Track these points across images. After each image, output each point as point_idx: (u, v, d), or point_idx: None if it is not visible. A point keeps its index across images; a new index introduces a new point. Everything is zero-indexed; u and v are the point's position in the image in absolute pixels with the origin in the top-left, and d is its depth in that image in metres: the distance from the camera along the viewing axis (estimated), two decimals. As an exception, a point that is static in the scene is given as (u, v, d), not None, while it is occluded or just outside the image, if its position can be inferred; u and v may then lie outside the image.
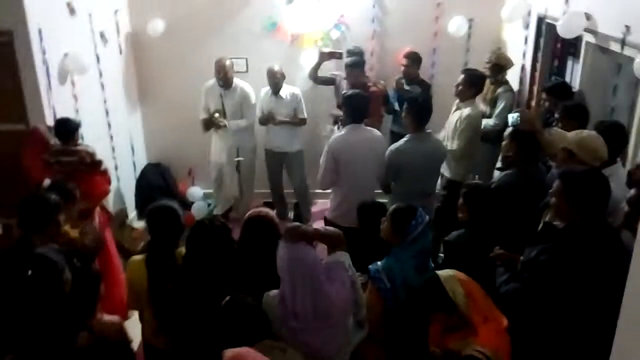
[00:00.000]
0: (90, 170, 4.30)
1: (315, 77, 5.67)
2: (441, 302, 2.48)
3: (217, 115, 5.49)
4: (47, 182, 3.91)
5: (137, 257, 3.12)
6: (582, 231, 2.58)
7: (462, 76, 4.78)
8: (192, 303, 2.68)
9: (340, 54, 5.60)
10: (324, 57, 5.63)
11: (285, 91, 5.58)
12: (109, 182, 4.56)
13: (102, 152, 5.11)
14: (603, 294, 2.42)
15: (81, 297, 2.53)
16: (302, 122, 5.67)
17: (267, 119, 5.55)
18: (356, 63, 5.37)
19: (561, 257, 2.55)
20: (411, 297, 2.79)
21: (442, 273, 2.56)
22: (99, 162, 4.39)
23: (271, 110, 5.54)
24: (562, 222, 2.73)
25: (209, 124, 5.60)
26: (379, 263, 2.92)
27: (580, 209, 2.58)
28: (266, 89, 5.63)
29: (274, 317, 2.50)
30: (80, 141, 4.45)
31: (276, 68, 5.51)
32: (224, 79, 5.46)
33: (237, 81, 5.61)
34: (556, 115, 3.74)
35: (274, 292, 2.57)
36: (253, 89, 5.68)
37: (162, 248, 3.01)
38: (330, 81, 5.72)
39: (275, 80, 5.49)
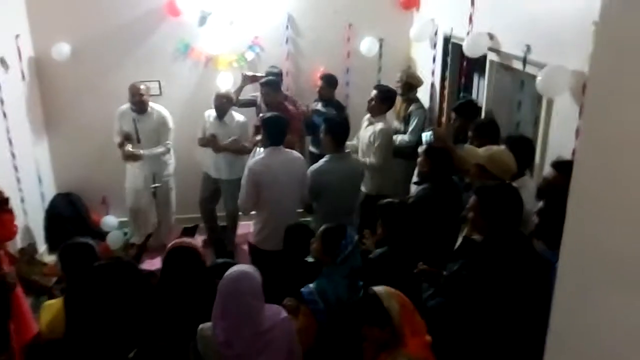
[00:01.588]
0: None
1: (236, 101, 5.59)
2: (378, 317, 2.50)
3: (129, 147, 5.27)
4: None
5: (53, 301, 2.94)
6: (499, 243, 2.70)
7: (374, 92, 4.93)
8: (112, 343, 2.56)
9: (263, 76, 5.56)
10: (247, 80, 5.59)
11: (231, 118, 5.43)
12: (14, 221, 4.25)
13: (6, 185, 4.80)
14: (523, 301, 2.54)
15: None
16: (247, 150, 5.35)
17: (210, 144, 5.36)
18: (271, 82, 5.36)
19: (482, 270, 2.66)
20: (346, 316, 2.82)
21: (379, 289, 2.58)
22: (6, 200, 4.09)
23: (214, 134, 5.35)
24: (480, 235, 2.85)
25: (127, 155, 5.35)
26: (310, 285, 2.92)
27: (496, 222, 2.71)
28: (211, 112, 5.45)
29: (212, 349, 2.43)
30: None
31: (223, 92, 5.40)
32: (139, 103, 5.30)
33: (152, 105, 5.46)
34: (469, 133, 3.90)
35: (208, 324, 2.50)
36: (167, 111, 5.54)
37: (79, 288, 2.85)
38: (251, 103, 5.68)
39: (221, 104, 5.33)
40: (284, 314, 2.63)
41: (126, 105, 5.40)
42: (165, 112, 5.51)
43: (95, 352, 2.57)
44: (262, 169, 4.02)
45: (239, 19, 5.86)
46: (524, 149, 3.42)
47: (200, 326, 2.52)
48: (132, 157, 5.33)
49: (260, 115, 4.72)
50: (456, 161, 3.65)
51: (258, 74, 5.62)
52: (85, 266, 2.87)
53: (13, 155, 5.23)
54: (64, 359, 2.73)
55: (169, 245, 2.92)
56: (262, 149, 4.37)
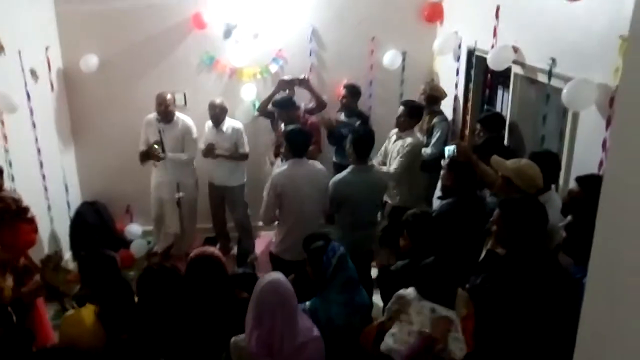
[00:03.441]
0: (15, 219, 4.08)
1: (264, 108, 5.62)
2: None
3: (155, 146, 5.36)
4: None
5: (72, 312, 2.96)
6: (522, 257, 2.67)
7: (402, 108, 4.92)
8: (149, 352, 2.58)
9: (300, 80, 5.60)
10: (283, 85, 5.62)
11: (227, 125, 5.54)
12: (35, 231, 4.31)
13: (33, 193, 4.92)
14: (547, 316, 2.51)
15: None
16: (243, 156, 5.61)
17: (207, 152, 5.47)
18: (280, 103, 5.37)
19: (505, 284, 2.63)
20: (336, 337, 2.78)
21: None
22: (25, 210, 4.17)
23: (212, 143, 5.47)
24: (504, 249, 2.82)
25: (146, 155, 5.46)
26: (306, 303, 2.89)
27: (519, 236, 2.68)
28: (210, 122, 5.57)
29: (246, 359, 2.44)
30: (9, 185, 4.23)
31: (217, 101, 5.48)
32: (165, 112, 5.38)
33: (178, 115, 5.55)
34: (476, 128, 3.95)
35: (241, 335, 2.51)
36: (193, 122, 5.62)
37: (113, 298, 2.88)
38: (270, 114, 5.73)
39: (215, 113, 5.45)
40: (316, 332, 2.61)
41: (153, 115, 5.49)
42: (190, 122, 5.59)
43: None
44: (284, 180, 4.04)
45: (264, 31, 5.93)
46: (549, 163, 3.38)
47: (233, 338, 2.53)
48: (153, 156, 5.39)
49: (283, 127, 4.76)
50: (479, 174, 3.64)
51: (295, 78, 5.65)
52: (106, 277, 2.89)
53: (41, 164, 5.34)
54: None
55: (192, 254, 2.94)
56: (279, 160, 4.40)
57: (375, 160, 4.87)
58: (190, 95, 6.05)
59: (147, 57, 5.93)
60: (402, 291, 2.70)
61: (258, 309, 2.42)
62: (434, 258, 2.60)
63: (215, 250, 2.98)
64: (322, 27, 6.01)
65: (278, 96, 5.50)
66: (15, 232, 3.99)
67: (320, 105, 5.70)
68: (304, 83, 5.65)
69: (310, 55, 6.07)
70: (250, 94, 5.98)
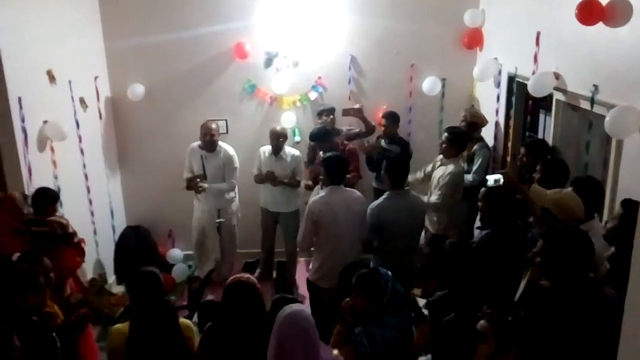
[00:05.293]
0: (61, 243, 4.23)
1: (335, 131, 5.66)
2: None
3: (197, 180, 5.49)
4: (15, 256, 3.74)
5: (119, 325, 3.05)
6: (568, 290, 2.59)
7: (445, 134, 4.88)
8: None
9: (356, 110, 5.72)
10: (348, 112, 5.77)
11: (286, 152, 5.59)
12: (82, 254, 4.46)
13: (80, 217, 5.08)
14: (594, 350, 2.43)
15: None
16: (299, 184, 5.64)
17: (266, 179, 5.53)
18: (319, 136, 5.41)
19: (550, 317, 2.56)
20: (389, 355, 2.83)
21: None
22: (71, 235, 4.32)
23: (272, 171, 5.51)
24: (548, 280, 2.75)
25: (190, 185, 5.58)
26: (360, 329, 2.93)
27: (564, 268, 2.61)
28: (266, 148, 5.64)
29: None
30: (59, 210, 4.39)
31: (278, 128, 5.56)
32: (210, 142, 5.50)
33: (221, 144, 5.65)
34: (536, 171, 3.81)
35: None
36: (234, 149, 5.72)
37: (145, 315, 2.95)
38: (356, 135, 5.86)
39: (277, 141, 5.51)
40: None
41: (196, 143, 5.62)
42: (232, 152, 5.69)
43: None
44: (321, 207, 4.06)
45: (303, 59, 6.03)
46: (592, 191, 3.30)
47: None
48: (195, 188, 5.52)
49: (321, 154, 4.79)
50: (528, 202, 3.55)
51: (351, 108, 5.79)
52: (151, 293, 2.97)
53: (88, 189, 5.52)
54: None
55: (228, 280, 2.98)
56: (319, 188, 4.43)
57: (411, 177, 4.84)
58: (231, 122, 6.17)
59: (191, 85, 6.10)
60: None
61: (279, 341, 2.43)
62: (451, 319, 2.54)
63: (250, 276, 3.00)
64: (360, 54, 6.07)
65: (311, 133, 5.55)
66: (61, 256, 4.14)
67: (370, 130, 5.78)
68: (358, 112, 5.73)
69: (350, 82, 6.13)
70: (290, 121, 6.07)
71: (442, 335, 2.53)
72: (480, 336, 2.58)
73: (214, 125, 5.54)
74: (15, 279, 2.96)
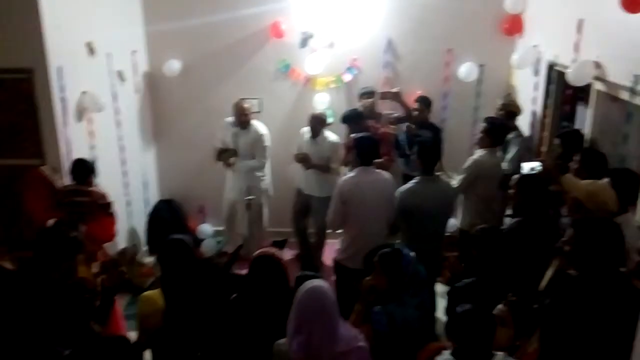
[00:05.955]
0: (101, 212, 4.34)
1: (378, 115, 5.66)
2: None
3: (227, 154, 5.60)
4: (50, 222, 3.87)
5: (149, 292, 3.13)
6: (595, 280, 2.56)
7: (484, 124, 4.78)
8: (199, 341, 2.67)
9: (394, 93, 5.67)
10: (384, 96, 5.73)
11: (325, 137, 5.58)
12: (114, 225, 4.58)
13: (115, 188, 5.20)
14: (618, 340, 2.40)
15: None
16: (333, 171, 5.54)
17: (299, 161, 5.55)
18: (350, 118, 5.40)
19: (577, 306, 2.53)
20: (411, 338, 2.83)
21: None
22: (109, 204, 4.43)
23: (306, 153, 5.53)
24: (576, 270, 2.72)
25: (221, 156, 5.68)
26: (379, 307, 2.93)
27: (593, 258, 2.58)
28: (307, 130, 5.64)
29: None
30: (95, 182, 4.51)
31: (317, 112, 5.58)
32: (243, 121, 5.57)
33: (254, 122, 5.70)
34: (574, 161, 3.73)
35: (284, 340, 2.55)
36: (266, 128, 5.76)
37: (175, 281, 3.01)
38: (401, 119, 5.80)
39: (314, 125, 5.52)
40: (361, 342, 2.62)
41: (230, 118, 5.69)
42: (264, 130, 5.73)
43: (188, 343, 2.69)
44: (350, 187, 4.07)
45: (339, 41, 6.00)
46: (628, 184, 3.23)
47: (277, 342, 2.57)
48: (225, 160, 5.64)
49: (352, 135, 4.78)
50: (561, 192, 3.49)
51: (389, 91, 5.75)
52: (180, 260, 3.03)
53: (123, 162, 5.64)
54: (161, 347, 2.88)
55: (255, 253, 3.03)
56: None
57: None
58: (265, 101, 6.20)
59: (227, 63, 6.15)
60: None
61: (298, 315, 2.46)
62: (468, 309, 2.51)
63: (276, 251, 3.04)
64: (397, 37, 6.01)
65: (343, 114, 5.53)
66: (99, 225, 4.25)
67: (410, 116, 5.73)
68: (396, 96, 5.68)
69: (385, 65, 6.08)
70: (323, 103, 6.06)
71: (461, 324, 2.51)
72: (499, 321, 2.57)
73: (246, 105, 5.59)
74: (52, 243, 3.04)
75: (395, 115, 5.85)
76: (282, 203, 6.07)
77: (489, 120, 4.80)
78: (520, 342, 2.64)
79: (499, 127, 4.77)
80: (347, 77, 6.11)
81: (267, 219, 6.09)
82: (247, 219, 5.88)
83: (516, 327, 2.63)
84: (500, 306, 2.68)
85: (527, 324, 2.67)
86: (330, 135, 5.61)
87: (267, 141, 5.73)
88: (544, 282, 3.10)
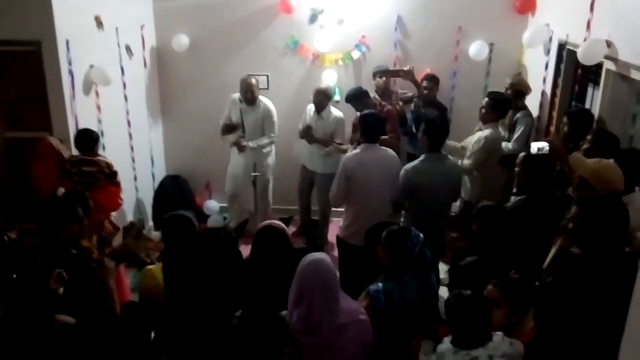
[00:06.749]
0: (107, 181, 4.37)
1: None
2: None
3: (233, 136, 5.59)
4: (61, 190, 3.93)
5: (152, 267, 3.16)
6: (598, 259, 2.55)
7: (486, 99, 4.77)
8: (203, 312, 2.69)
9: (406, 72, 5.51)
10: (389, 74, 5.64)
11: (329, 112, 5.55)
12: (120, 194, 4.62)
13: (122, 162, 5.22)
14: (618, 319, 2.39)
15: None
16: (337, 147, 5.51)
17: (304, 134, 5.54)
18: (354, 96, 5.33)
19: (577, 284, 2.53)
20: (408, 317, 2.83)
21: None
22: (115, 173, 4.46)
23: (310, 125, 5.52)
24: (579, 248, 2.71)
25: (228, 129, 5.66)
26: (380, 284, 2.92)
27: (597, 236, 2.56)
28: (312, 106, 5.61)
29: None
30: (100, 152, 4.53)
31: (322, 87, 5.52)
32: (250, 97, 5.54)
33: (261, 98, 5.68)
34: (586, 140, 3.69)
35: (285, 312, 2.58)
36: (273, 105, 5.74)
37: (176, 256, 3.04)
38: (410, 99, 5.71)
39: (318, 100, 5.47)
40: (363, 315, 2.64)
41: (237, 94, 5.67)
42: (271, 106, 5.71)
43: (189, 316, 2.72)
44: (354, 164, 4.06)
45: (348, 17, 5.94)
46: (634, 163, 3.20)
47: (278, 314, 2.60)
48: (239, 147, 5.62)
49: (358, 113, 4.76)
50: (569, 172, 3.46)
51: (400, 69, 5.59)
52: (183, 235, 3.05)
53: (130, 136, 5.65)
54: (161, 321, 2.91)
55: (260, 224, 3.05)
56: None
57: (451, 144, 4.72)
58: (272, 77, 6.18)
59: (235, 39, 6.12)
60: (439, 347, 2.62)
61: (299, 287, 2.49)
62: (468, 295, 2.51)
63: (280, 223, 3.06)
64: (407, 15, 5.94)
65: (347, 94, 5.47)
66: (106, 194, 4.29)
67: (422, 94, 5.64)
68: (408, 74, 5.61)
69: (395, 46, 6.02)
70: (331, 80, 6.03)
71: (455, 310, 2.51)
72: (492, 302, 2.57)
73: (253, 81, 5.56)
74: (56, 210, 3.07)
75: (409, 94, 5.81)
76: (287, 180, 6.09)
77: (492, 95, 4.78)
78: (514, 318, 2.64)
79: (503, 101, 4.76)
80: (356, 54, 6.06)
81: (271, 195, 6.10)
82: (252, 195, 5.90)
83: (509, 304, 2.63)
84: (489, 287, 2.67)
85: (520, 300, 2.67)
86: (335, 111, 5.59)
87: (276, 116, 5.72)
88: (547, 261, 3.10)
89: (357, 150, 4.17)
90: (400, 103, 5.56)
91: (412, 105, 5.50)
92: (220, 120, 5.76)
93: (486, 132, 4.64)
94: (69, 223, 3.03)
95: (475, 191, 4.69)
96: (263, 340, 2.33)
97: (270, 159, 5.92)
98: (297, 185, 6.04)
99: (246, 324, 2.39)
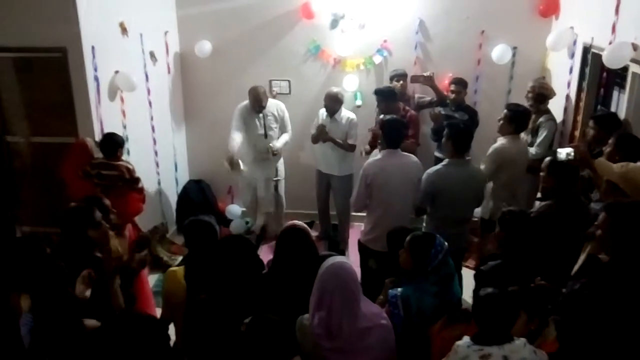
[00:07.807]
0: (127, 187, 4.42)
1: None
2: None
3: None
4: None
5: (175, 269, 3.18)
6: (627, 265, 2.51)
7: (505, 111, 4.68)
8: (222, 316, 2.70)
9: (426, 77, 5.61)
10: (415, 79, 5.69)
11: (342, 115, 5.55)
12: (143, 200, 4.66)
13: (146, 167, 5.29)
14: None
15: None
16: (351, 147, 5.55)
17: (319, 134, 5.52)
18: (385, 93, 5.33)
19: (606, 292, 2.48)
20: (424, 326, 2.80)
21: None
22: (137, 179, 4.51)
23: (324, 125, 5.51)
24: (607, 255, 2.66)
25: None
26: (399, 290, 2.91)
27: (626, 242, 2.52)
28: (324, 110, 5.62)
29: (309, 340, 2.51)
30: (124, 157, 4.59)
31: (334, 91, 5.52)
32: (259, 107, 5.54)
33: (270, 100, 5.70)
34: (609, 144, 3.64)
35: (306, 315, 2.58)
36: (294, 110, 5.77)
37: (199, 261, 3.06)
38: (430, 103, 5.81)
39: (330, 104, 5.48)
40: (385, 320, 2.62)
41: (244, 103, 5.64)
42: (281, 104, 5.76)
43: (211, 318, 2.73)
44: (376, 170, 4.05)
45: (370, 22, 5.94)
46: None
47: (300, 317, 2.59)
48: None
49: (381, 116, 4.74)
50: (594, 178, 3.42)
51: (421, 75, 5.69)
52: (205, 240, 3.07)
53: (154, 141, 5.72)
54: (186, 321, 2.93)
55: (284, 225, 3.08)
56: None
57: None
58: (294, 83, 6.20)
59: (257, 44, 6.15)
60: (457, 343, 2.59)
61: (319, 291, 2.48)
62: (490, 292, 2.46)
63: (303, 224, 3.06)
64: (429, 19, 5.91)
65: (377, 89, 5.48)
66: (125, 200, 4.35)
67: (442, 99, 5.67)
68: (428, 80, 5.61)
69: (416, 47, 6.00)
70: (352, 85, 6.04)
71: (483, 307, 2.48)
72: None
73: (261, 89, 5.54)
74: (73, 215, 3.12)
75: (427, 99, 5.79)
76: (302, 185, 6.13)
77: (512, 108, 4.68)
78: (533, 325, 2.60)
79: (522, 113, 4.63)
80: (377, 59, 6.05)
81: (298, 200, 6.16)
82: (273, 198, 5.94)
83: (527, 311, 2.59)
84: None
85: (538, 307, 2.63)
86: (347, 113, 5.59)
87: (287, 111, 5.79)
88: (575, 268, 3.05)
89: (379, 157, 4.17)
90: (433, 111, 5.55)
91: (435, 110, 5.49)
92: (232, 133, 5.64)
93: (497, 143, 4.57)
94: (87, 228, 3.08)
95: (489, 206, 4.59)
96: (269, 348, 2.32)
97: (281, 161, 5.98)
98: (310, 191, 6.06)
99: (253, 332, 2.38)
